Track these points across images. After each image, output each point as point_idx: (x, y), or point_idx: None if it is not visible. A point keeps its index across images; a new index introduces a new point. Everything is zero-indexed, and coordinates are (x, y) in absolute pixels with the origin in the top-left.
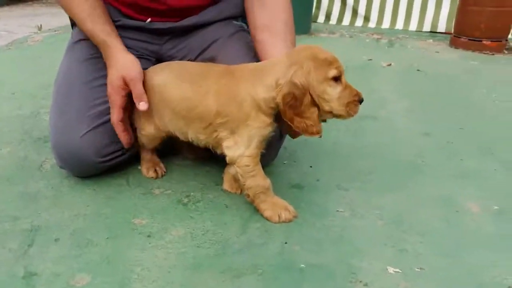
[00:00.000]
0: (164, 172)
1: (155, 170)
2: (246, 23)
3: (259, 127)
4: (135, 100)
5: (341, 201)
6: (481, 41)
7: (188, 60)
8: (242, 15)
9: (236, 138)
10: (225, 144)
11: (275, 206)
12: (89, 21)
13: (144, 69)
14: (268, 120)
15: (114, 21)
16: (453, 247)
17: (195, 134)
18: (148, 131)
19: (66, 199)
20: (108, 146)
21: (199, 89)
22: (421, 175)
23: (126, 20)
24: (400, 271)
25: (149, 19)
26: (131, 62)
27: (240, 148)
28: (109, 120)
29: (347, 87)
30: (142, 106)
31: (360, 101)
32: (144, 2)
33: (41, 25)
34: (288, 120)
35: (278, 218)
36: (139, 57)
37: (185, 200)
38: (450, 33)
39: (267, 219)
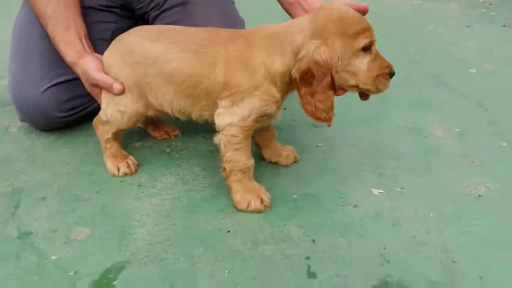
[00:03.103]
0: (137, 165)
1: (128, 165)
2: None
3: (266, 100)
4: (106, 90)
5: (319, 137)
6: None
7: (156, 5)
8: None
9: (234, 108)
10: (217, 110)
11: (248, 191)
12: (49, 27)
13: (108, 22)
14: (278, 95)
15: None
16: (426, 168)
17: (200, 113)
18: (133, 108)
19: (42, 159)
20: (70, 101)
21: (205, 60)
22: (388, 107)
23: None
24: (383, 191)
25: None
26: (89, 63)
27: (234, 116)
28: (72, 79)
29: (377, 57)
30: (116, 89)
31: (391, 74)
32: None
33: None
34: (299, 96)
35: (246, 206)
36: (104, 7)
37: (168, 150)
38: None
39: (234, 203)
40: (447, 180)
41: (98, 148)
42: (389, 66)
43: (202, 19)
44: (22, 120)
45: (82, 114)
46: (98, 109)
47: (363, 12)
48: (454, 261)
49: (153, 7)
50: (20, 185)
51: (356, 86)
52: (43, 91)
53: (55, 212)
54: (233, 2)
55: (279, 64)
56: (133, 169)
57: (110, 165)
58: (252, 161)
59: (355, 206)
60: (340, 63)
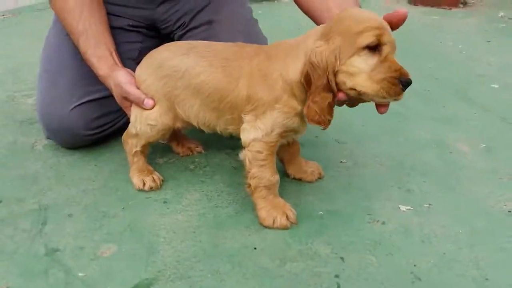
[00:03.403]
0: (162, 180)
1: (153, 179)
2: None
3: (287, 113)
4: (137, 106)
5: (342, 153)
6: None
7: (182, 24)
8: None
9: (257, 122)
10: (243, 126)
11: (273, 208)
12: (81, 42)
13: (135, 42)
14: (298, 107)
15: None
16: (454, 183)
17: (224, 126)
18: (162, 121)
19: (69, 177)
20: (98, 119)
21: (231, 75)
22: (408, 122)
23: None
24: (411, 208)
25: None
26: (121, 77)
27: (258, 132)
28: (100, 98)
29: (387, 60)
30: (147, 105)
31: (404, 82)
32: None
33: None
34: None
35: (272, 223)
36: (131, 27)
37: (192, 167)
38: None
39: (259, 219)
40: (475, 196)
41: (124, 165)
42: (399, 71)
43: (227, 38)
44: (48, 138)
45: (108, 132)
46: (124, 127)
47: (400, 17)
48: (487, 279)
49: (179, 27)
50: (47, 202)
51: (354, 89)
52: (71, 109)
53: (82, 229)
54: (257, 20)
55: (294, 72)
56: (158, 183)
57: (136, 179)
58: (277, 178)
59: (383, 223)
60: (338, 62)
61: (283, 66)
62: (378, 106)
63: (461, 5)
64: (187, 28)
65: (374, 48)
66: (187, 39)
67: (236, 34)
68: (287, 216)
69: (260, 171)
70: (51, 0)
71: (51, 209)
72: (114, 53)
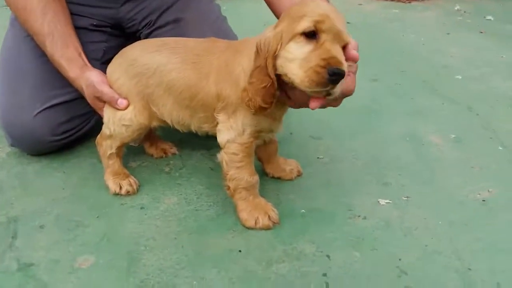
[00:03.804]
0: (138, 184)
1: (130, 183)
2: None
3: (254, 114)
4: (110, 106)
5: (318, 149)
6: None
7: (148, 23)
8: None
9: (231, 122)
10: (218, 127)
11: (255, 208)
12: (48, 44)
13: (99, 42)
14: (265, 106)
15: None
16: (428, 175)
17: (198, 125)
18: (137, 121)
19: (36, 185)
20: (64, 124)
21: (201, 71)
22: (381, 117)
23: None
24: (390, 201)
25: None
26: (94, 77)
27: (231, 132)
28: (66, 101)
29: (321, 48)
30: (121, 105)
31: (330, 71)
32: None
33: None
34: None
35: (255, 224)
36: (95, 27)
37: (167, 169)
38: None
39: (241, 221)
40: (450, 186)
41: (93, 171)
42: (327, 60)
43: (196, 36)
44: (12, 145)
45: (75, 137)
46: (90, 132)
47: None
48: (469, 269)
49: (145, 25)
50: (15, 213)
51: (286, 76)
52: (35, 115)
53: (56, 240)
54: (225, 17)
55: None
56: (135, 188)
57: (112, 183)
58: (256, 178)
59: (364, 218)
60: (279, 47)
61: (246, 60)
62: (311, 99)
63: None
64: (153, 27)
65: (311, 35)
66: (153, 38)
67: (205, 32)
68: (269, 217)
69: (238, 172)
70: None
71: (20, 220)
72: (82, 54)
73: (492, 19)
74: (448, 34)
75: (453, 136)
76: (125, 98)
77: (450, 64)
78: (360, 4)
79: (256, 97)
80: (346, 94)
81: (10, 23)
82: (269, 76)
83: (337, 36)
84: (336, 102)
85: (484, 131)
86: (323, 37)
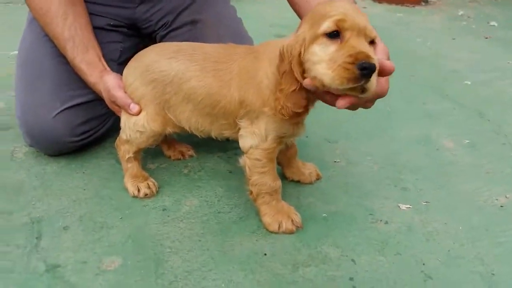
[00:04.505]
0: (158, 186)
1: (148, 186)
2: None
3: (276, 116)
4: (123, 109)
5: (334, 153)
6: None
7: (164, 24)
8: None
9: (253, 128)
10: (240, 132)
11: (278, 212)
12: (68, 49)
13: (116, 42)
14: None
15: None
16: (445, 180)
17: (219, 131)
18: (150, 128)
19: (57, 186)
20: (83, 125)
21: (222, 79)
22: (393, 120)
23: None
24: (410, 206)
25: None
26: (110, 81)
27: (254, 138)
28: (84, 102)
29: (346, 46)
30: (133, 110)
31: (359, 66)
32: None
33: None
34: None
35: (278, 228)
36: (111, 27)
37: (185, 171)
38: None
39: (264, 225)
40: (467, 191)
41: (113, 171)
42: (354, 55)
43: (213, 38)
44: (30, 145)
45: (92, 138)
46: (107, 133)
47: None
48: (493, 274)
49: (161, 26)
50: (39, 214)
51: (316, 78)
52: (55, 115)
53: (81, 241)
54: (241, 19)
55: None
56: (154, 190)
57: (131, 186)
58: (279, 183)
59: (386, 222)
60: (303, 50)
61: (268, 65)
62: (339, 97)
63: (423, 3)
64: (170, 28)
65: (333, 35)
66: (169, 39)
67: (222, 34)
68: (292, 221)
69: (261, 178)
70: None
71: (44, 221)
72: (102, 58)
73: (496, 25)
74: (453, 39)
75: (467, 141)
76: (137, 103)
77: (458, 69)
78: (365, 8)
79: (287, 104)
80: (380, 95)
81: (28, 21)
82: (297, 80)
83: (362, 32)
84: (369, 103)
85: (496, 136)
86: (347, 34)
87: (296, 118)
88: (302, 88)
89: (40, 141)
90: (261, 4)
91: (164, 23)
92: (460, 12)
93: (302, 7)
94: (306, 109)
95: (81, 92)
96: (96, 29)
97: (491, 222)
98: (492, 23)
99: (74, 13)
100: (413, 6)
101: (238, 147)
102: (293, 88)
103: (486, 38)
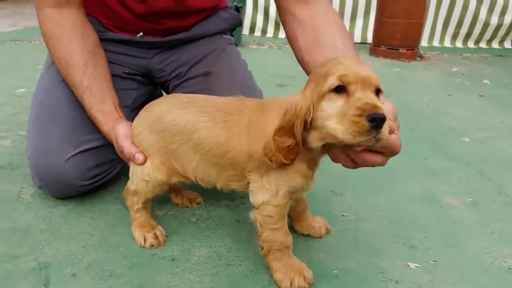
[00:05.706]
0: (165, 235)
1: (156, 236)
2: (233, 35)
3: (288, 173)
4: (127, 161)
5: (341, 206)
6: (398, 49)
7: (178, 74)
8: (230, 29)
9: (264, 182)
10: (250, 187)
11: (289, 269)
12: (86, 98)
13: (130, 89)
14: (300, 165)
15: (100, 35)
16: (451, 239)
17: (225, 182)
18: (155, 177)
19: (64, 230)
20: (93, 169)
21: (231, 130)
22: (397, 175)
23: (114, 34)
24: (419, 265)
25: (140, 33)
26: (119, 130)
27: (265, 194)
28: (96, 147)
29: (352, 100)
30: (138, 159)
31: (368, 117)
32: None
33: None
34: None
35: (290, 285)
36: (127, 75)
37: (193, 219)
38: (366, 43)
39: (275, 282)
40: (474, 251)
41: (121, 216)
42: (360, 107)
43: (224, 90)
44: (40, 188)
45: (101, 182)
46: (115, 177)
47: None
48: None
49: (175, 77)
50: (46, 259)
51: (329, 134)
52: (67, 159)
53: None
54: (251, 72)
55: None
56: (161, 240)
57: (138, 235)
58: (290, 238)
59: (397, 282)
60: (312, 108)
61: (276, 119)
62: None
63: (418, 58)
64: (183, 79)
65: (339, 90)
66: (182, 89)
67: (233, 87)
68: (304, 277)
69: (272, 234)
70: (51, 47)
71: (52, 267)
72: (118, 107)
73: (488, 83)
74: (450, 95)
75: (469, 199)
76: (142, 153)
77: (456, 126)
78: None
79: (278, 154)
80: (394, 152)
81: (47, 66)
82: (295, 137)
83: (366, 82)
84: (384, 161)
85: (498, 195)
86: (352, 88)
87: (283, 167)
88: (296, 144)
89: (51, 183)
90: (262, 53)
91: (178, 74)
92: (454, 69)
93: (306, 56)
94: (292, 161)
95: (93, 137)
96: (112, 76)
97: (499, 285)
98: (485, 81)
99: (94, 64)
100: (409, 61)
101: (244, 196)
102: (288, 144)
103: (480, 96)
